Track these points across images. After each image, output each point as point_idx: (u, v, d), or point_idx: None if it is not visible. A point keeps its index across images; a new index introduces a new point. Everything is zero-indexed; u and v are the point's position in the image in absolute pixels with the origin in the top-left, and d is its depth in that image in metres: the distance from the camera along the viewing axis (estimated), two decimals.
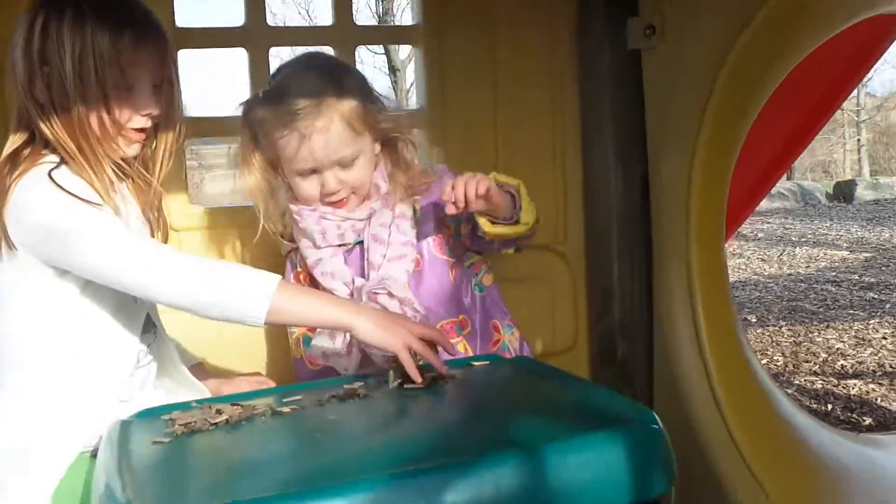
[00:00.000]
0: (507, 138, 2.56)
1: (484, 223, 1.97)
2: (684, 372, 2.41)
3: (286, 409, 1.65)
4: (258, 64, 2.38)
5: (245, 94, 2.29)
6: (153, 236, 1.93)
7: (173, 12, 2.28)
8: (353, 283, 2.07)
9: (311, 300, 1.85)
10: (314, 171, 2.04)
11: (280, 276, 1.79)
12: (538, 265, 2.58)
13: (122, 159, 1.83)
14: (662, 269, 2.48)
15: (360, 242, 2.11)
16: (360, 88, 2.07)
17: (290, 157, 2.02)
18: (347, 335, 1.98)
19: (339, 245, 2.10)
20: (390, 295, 2.04)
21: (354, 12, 2.53)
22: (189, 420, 1.57)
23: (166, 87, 1.84)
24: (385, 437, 1.56)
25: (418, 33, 2.52)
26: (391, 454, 1.44)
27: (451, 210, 1.92)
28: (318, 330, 2.05)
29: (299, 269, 2.17)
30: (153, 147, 1.89)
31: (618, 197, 2.56)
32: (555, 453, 1.38)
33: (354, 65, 2.50)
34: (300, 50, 2.23)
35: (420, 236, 2.13)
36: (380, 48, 19.02)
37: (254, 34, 2.37)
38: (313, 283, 2.12)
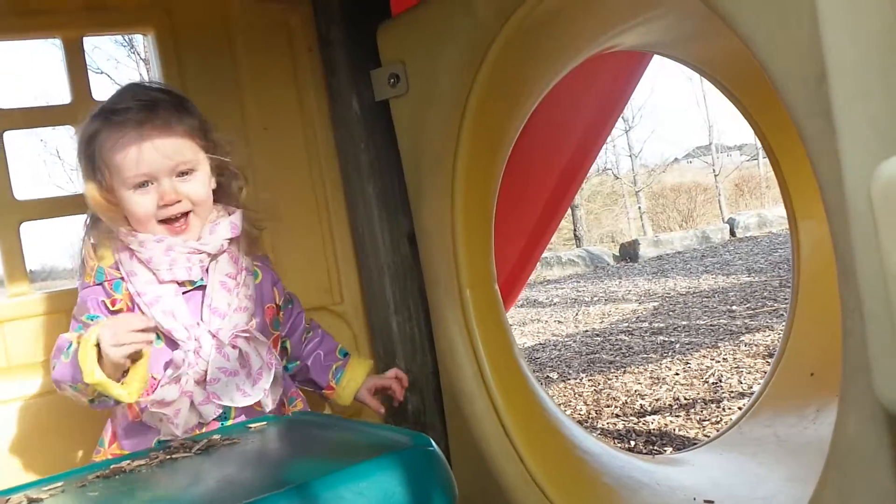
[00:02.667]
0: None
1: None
2: (474, 414, 2.40)
3: (44, 496, 1.55)
4: None
5: None
6: None
7: None
8: (198, 325, 1.98)
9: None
10: (149, 182, 1.96)
11: None
12: None
13: None
14: (439, 316, 2.48)
15: (201, 287, 2.04)
16: (199, 114, 2.06)
17: (125, 164, 1.94)
18: (182, 383, 1.95)
19: (183, 282, 2.01)
20: (249, 339, 2.01)
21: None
22: None
23: None
24: (152, 503, 1.47)
25: None
26: None
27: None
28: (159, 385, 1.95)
29: (119, 296, 2.00)
30: None
31: (387, 250, 2.56)
32: (327, 487, 1.35)
33: None
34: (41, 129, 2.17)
35: (257, 299, 2.11)
36: None
37: None
38: (132, 311, 2.00)
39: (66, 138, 17.97)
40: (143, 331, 1.86)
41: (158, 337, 1.98)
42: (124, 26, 2.58)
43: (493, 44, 2.21)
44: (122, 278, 2.01)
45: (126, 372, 1.87)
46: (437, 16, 2.33)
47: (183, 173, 1.99)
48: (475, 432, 2.40)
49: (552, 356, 6.53)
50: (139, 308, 1.99)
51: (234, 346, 1.99)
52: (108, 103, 2.01)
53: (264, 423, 1.88)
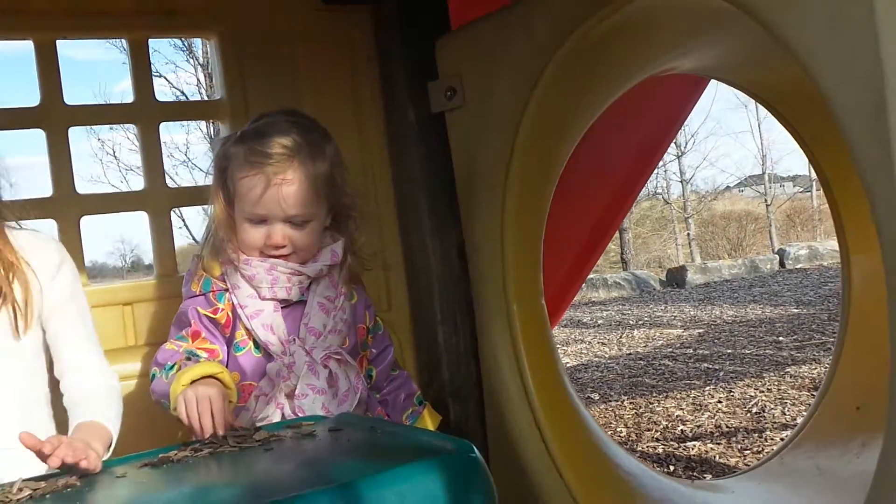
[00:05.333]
0: None
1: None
2: (516, 428, 2.41)
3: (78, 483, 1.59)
4: (57, 144, 2.32)
5: (45, 174, 2.28)
6: None
7: None
8: (294, 341, 2.07)
9: None
10: (264, 221, 2.05)
11: None
12: None
13: None
14: (485, 328, 2.50)
15: (300, 302, 2.13)
16: (333, 157, 2.12)
17: (247, 198, 2.04)
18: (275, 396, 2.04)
19: (283, 299, 2.10)
20: (341, 362, 2.08)
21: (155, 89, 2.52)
22: None
23: None
24: (196, 492, 1.51)
25: (224, 108, 2.52)
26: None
27: None
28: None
29: (221, 306, 2.10)
30: None
31: (436, 261, 2.58)
32: (370, 487, 1.37)
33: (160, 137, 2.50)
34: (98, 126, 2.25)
35: (351, 321, 2.19)
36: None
37: (51, 114, 2.31)
38: (234, 321, 2.10)
39: (122, 139, 18.18)
40: (216, 422, 1.87)
41: (257, 347, 2.09)
42: (189, 30, 2.65)
43: (550, 62, 2.23)
44: (227, 290, 2.11)
45: None
46: (496, 32, 2.36)
47: (298, 223, 2.07)
48: (516, 445, 2.41)
49: (594, 377, 6.51)
50: (240, 320, 2.09)
51: (325, 366, 2.07)
52: (254, 134, 2.08)
53: (311, 422, 1.90)
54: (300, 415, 2.02)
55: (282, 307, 2.12)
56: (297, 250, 2.09)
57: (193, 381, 1.92)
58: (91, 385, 1.98)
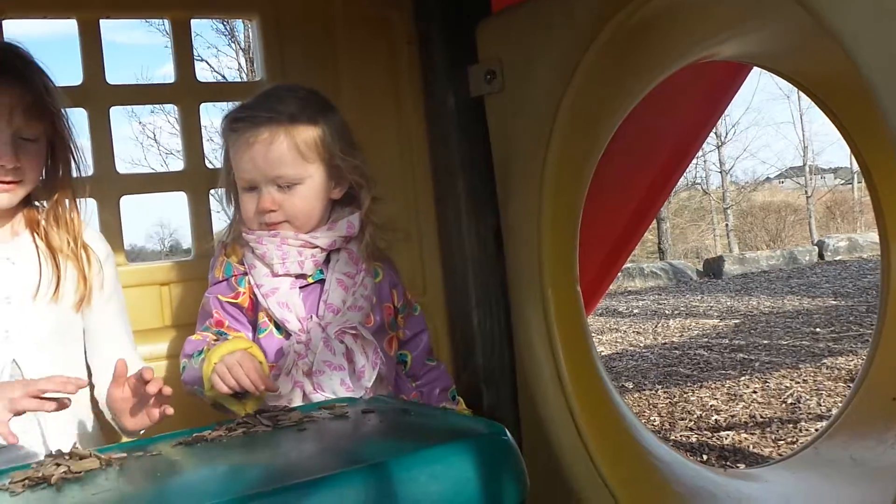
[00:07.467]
0: None
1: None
2: (549, 413, 2.41)
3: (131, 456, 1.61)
4: (98, 123, 2.35)
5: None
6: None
7: None
8: (311, 318, 2.05)
9: None
10: (253, 188, 2.05)
11: None
12: None
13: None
14: (520, 314, 2.50)
15: (320, 281, 2.10)
16: (327, 124, 2.08)
17: (236, 165, 2.05)
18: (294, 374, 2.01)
19: (298, 276, 2.08)
20: (356, 336, 2.04)
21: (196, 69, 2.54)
22: (28, 475, 1.51)
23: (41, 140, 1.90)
24: (229, 470, 1.52)
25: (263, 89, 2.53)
26: (234, 483, 1.41)
27: None
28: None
29: (242, 290, 2.10)
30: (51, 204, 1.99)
31: (472, 245, 2.58)
32: (402, 467, 1.38)
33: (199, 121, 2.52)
34: (139, 109, 2.27)
35: (376, 300, 2.15)
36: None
37: (93, 93, 2.34)
38: (255, 306, 2.10)
39: (163, 122, 18.32)
40: (253, 380, 1.91)
41: (278, 328, 2.07)
42: (230, 10, 2.66)
43: (590, 47, 2.22)
44: (246, 273, 2.10)
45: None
46: (537, 15, 2.35)
47: (284, 185, 2.04)
48: (548, 430, 2.41)
49: (629, 366, 6.50)
50: (258, 300, 2.07)
51: (340, 341, 2.03)
52: (245, 103, 2.11)
53: (344, 403, 1.91)
54: (319, 392, 2.01)
55: (300, 286, 2.09)
56: (291, 218, 2.06)
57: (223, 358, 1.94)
58: None
